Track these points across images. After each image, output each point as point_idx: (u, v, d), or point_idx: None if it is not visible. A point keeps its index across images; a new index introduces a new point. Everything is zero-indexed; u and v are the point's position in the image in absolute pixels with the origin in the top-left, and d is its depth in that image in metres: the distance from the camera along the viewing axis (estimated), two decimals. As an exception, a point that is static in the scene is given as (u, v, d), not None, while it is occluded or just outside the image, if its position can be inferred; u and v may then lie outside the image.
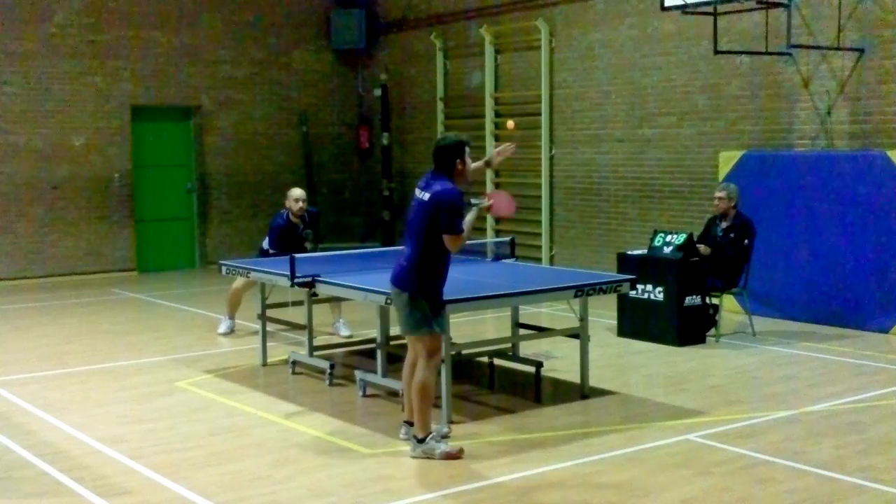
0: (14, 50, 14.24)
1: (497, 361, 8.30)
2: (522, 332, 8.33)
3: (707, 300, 9.59)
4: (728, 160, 11.06)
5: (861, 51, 10.40)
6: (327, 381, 8.01)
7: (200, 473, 5.92)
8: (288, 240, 9.75)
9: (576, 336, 7.64)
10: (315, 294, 8.20)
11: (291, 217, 9.88)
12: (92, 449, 6.43)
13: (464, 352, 7.74)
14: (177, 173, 15.96)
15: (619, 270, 9.73)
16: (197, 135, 15.98)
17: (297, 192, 10.04)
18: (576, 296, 7.34)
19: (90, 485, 5.70)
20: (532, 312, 10.44)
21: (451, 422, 6.72)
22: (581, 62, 13.44)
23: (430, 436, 6.07)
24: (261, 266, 8.68)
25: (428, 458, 6.04)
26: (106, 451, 6.36)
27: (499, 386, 8.09)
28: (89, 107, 14.84)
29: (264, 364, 8.76)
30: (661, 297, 9.47)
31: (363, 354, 8.92)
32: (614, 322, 9.97)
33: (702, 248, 9.64)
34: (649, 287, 9.52)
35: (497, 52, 14.69)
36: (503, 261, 8.92)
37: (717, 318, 9.62)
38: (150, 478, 5.85)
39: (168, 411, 7.37)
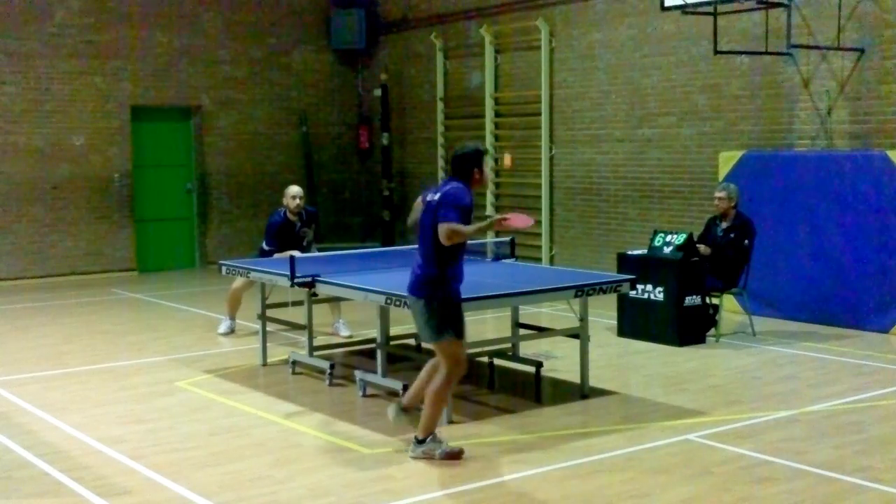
0: (14, 50, 14.24)
1: (497, 361, 8.30)
2: (522, 332, 8.33)
3: (707, 300, 9.59)
4: (728, 160, 11.06)
5: (861, 51, 10.40)
6: (327, 381, 8.01)
7: (200, 473, 5.92)
8: (285, 237, 9.76)
9: (576, 336, 7.65)
10: (315, 294, 8.20)
11: (289, 214, 9.90)
12: (92, 449, 6.43)
13: (464, 352, 7.73)
14: (177, 173, 15.96)
15: (619, 270, 9.73)
16: (197, 135, 15.98)
17: (294, 190, 10.06)
18: (576, 296, 7.35)
19: (90, 485, 5.70)
20: (532, 312, 10.44)
21: (451, 422, 6.72)
22: (581, 62, 13.44)
23: (431, 437, 6.07)
24: (261, 266, 8.69)
25: (428, 458, 6.04)
26: (106, 451, 6.36)
27: (499, 386, 8.09)
28: (89, 107, 14.84)
29: (264, 364, 8.76)
30: (661, 297, 9.47)
31: (363, 354, 8.92)
32: (614, 322, 9.97)
33: (702, 248, 9.64)
34: (649, 287, 9.52)
35: (497, 52, 14.69)
36: (503, 261, 8.92)
37: (717, 318, 9.62)
38: (150, 478, 5.85)
39: (168, 411, 7.37)
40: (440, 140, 15.69)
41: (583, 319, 7.59)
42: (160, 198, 15.76)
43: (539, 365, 7.96)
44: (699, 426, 6.74)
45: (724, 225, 9.78)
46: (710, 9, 10.64)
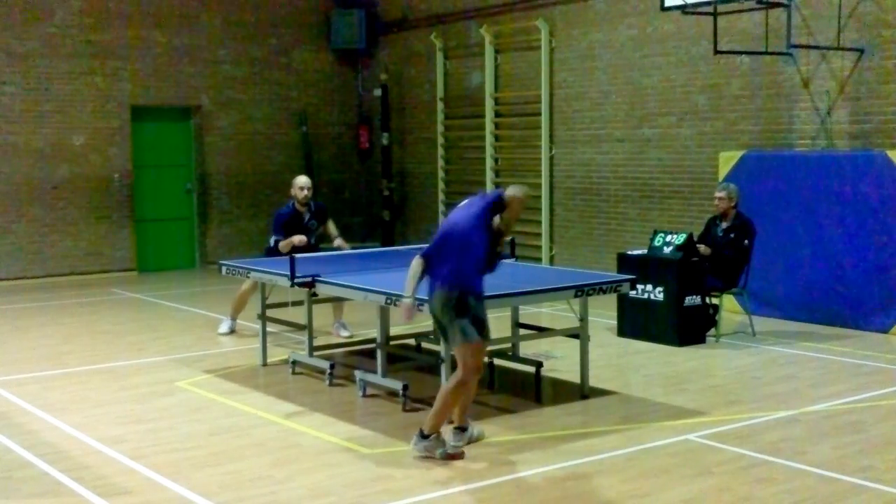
0: (14, 50, 14.24)
1: (497, 361, 8.29)
2: (522, 332, 8.33)
3: (707, 300, 9.59)
4: (728, 160, 11.06)
5: (861, 51, 10.40)
6: (327, 381, 8.01)
7: (200, 473, 5.92)
8: (294, 229, 9.71)
9: (576, 336, 7.65)
10: (315, 294, 8.20)
11: (297, 206, 9.85)
12: (92, 449, 6.43)
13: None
14: (177, 173, 15.96)
15: (619, 270, 9.73)
16: (197, 135, 15.98)
17: (301, 180, 9.99)
18: (576, 296, 7.35)
19: (90, 485, 5.70)
20: (532, 312, 10.43)
21: (451, 422, 6.72)
22: (581, 62, 13.44)
23: (435, 436, 6.07)
24: (261, 266, 8.68)
25: (428, 456, 6.04)
26: (106, 451, 6.36)
27: (499, 386, 8.08)
28: (89, 107, 14.84)
29: (264, 364, 8.76)
30: (661, 297, 9.47)
31: (363, 354, 8.92)
32: (614, 322, 9.97)
33: (702, 248, 9.64)
34: (649, 287, 9.52)
35: (497, 52, 14.69)
36: (503, 261, 8.90)
37: (717, 318, 9.62)
38: (150, 478, 5.85)
39: (168, 411, 7.37)
40: (440, 140, 15.69)
41: (583, 319, 7.59)
42: (160, 198, 15.76)
43: (539, 365, 7.96)
44: (699, 426, 6.74)
45: (724, 225, 9.78)
46: (710, 9, 10.64)
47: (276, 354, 8.96)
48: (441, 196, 15.69)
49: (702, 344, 9.43)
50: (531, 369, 8.00)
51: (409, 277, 6.17)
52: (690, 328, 9.43)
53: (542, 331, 8.35)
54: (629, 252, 10.14)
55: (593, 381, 7.70)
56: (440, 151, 15.69)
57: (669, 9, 10.83)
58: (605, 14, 13.09)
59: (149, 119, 15.51)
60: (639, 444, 6.35)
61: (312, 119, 16.76)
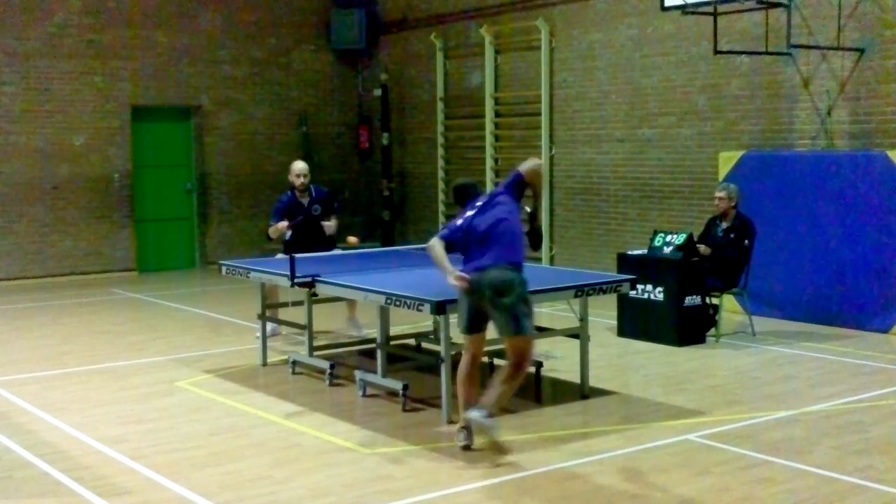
0: (14, 50, 14.24)
1: (497, 361, 8.28)
2: (522, 332, 8.31)
3: (707, 300, 9.59)
4: (728, 160, 11.06)
5: (861, 51, 10.40)
6: (327, 381, 8.01)
7: (200, 473, 5.92)
8: (295, 216, 9.64)
9: (576, 336, 7.65)
10: (315, 294, 8.20)
11: (297, 195, 9.79)
12: (92, 449, 6.43)
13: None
14: (176, 173, 15.96)
15: (619, 270, 9.73)
16: (197, 135, 15.98)
17: (298, 167, 9.84)
18: (576, 296, 7.35)
19: (90, 485, 5.70)
20: (532, 312, 10.42)
21: (450, 422, 6.72)
22: (581, 62, 13.44)
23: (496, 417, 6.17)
24: (261, 266, 8.68)
25: (485, 432, 6.10)
26: (106, 451, 6.36)
27: (499, 386, 8.07)
28: (89, 107, 14.84)
29: (264, 364, 8.76)
30: (661, 297, 9.47)
31: (363, 354, 8.92)
32: (614, 322, 9.97)
33: (702, 248, 9.64)
34: (649, 287, 9.52)
35: (497, 52, 14.69)
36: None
37: (717, 318, 9.62)
38: (150, 478, 5.85)
39: (168, 411, 7.37)
40: (440, 140, 15.69)
41: (583, 319, 7.59)
42: (160, 198, 15.76)
43: (539, 365, 7.96)
44: (699, 426, 6.74)
45: (724, 225, 9.78)
46: (709, 9, 10.64)
47: (276, 354, 8.96)
48: (441, 196, 15.68)
49: (702, 344, 9.43)
50: (531, 369, 7.98)
51: (439, 258, 6.26)
52: (690, 328, 9.43)
53: (542, 331, 8.32)
54: (629, 252, 10.14)
55: (593, 381, 7.70)
56: (440, 151, 15.69)
57: (669, 9, 10.83)
58: (604, 14, 13.09)
59: (149, 119, 15.51)
60: (639, 444, 6.35)
61: (312, 119, 16.77)
